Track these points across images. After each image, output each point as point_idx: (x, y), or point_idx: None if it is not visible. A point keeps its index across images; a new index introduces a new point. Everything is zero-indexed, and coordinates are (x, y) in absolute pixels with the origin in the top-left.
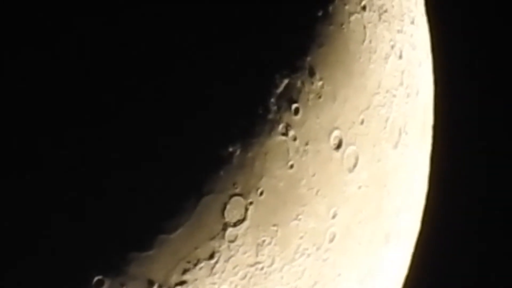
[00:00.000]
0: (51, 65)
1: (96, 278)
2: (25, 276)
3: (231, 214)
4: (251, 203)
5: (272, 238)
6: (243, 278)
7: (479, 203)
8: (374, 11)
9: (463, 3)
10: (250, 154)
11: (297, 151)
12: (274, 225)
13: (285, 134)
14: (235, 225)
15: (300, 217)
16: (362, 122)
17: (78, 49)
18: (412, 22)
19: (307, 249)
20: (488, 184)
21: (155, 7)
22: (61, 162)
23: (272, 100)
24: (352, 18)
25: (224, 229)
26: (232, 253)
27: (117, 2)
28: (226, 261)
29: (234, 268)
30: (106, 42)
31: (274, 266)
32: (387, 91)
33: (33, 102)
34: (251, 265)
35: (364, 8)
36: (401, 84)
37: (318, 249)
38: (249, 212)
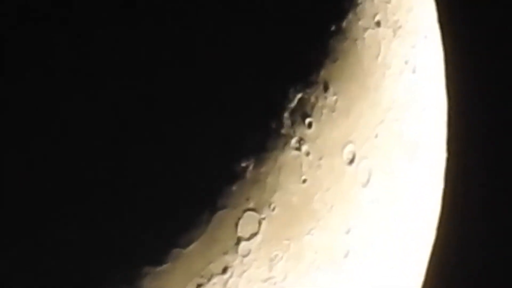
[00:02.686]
0: None
1: None
2: None
3: (245, 229)
4: (264, 218)
5: (285, 252)
6: None
7: (494, 211)
8: (389, 27)
9: (477, 15)
10: (263, 169)
11: (310, 165)
12: (287, 240)
13: (298, 148)
14: (248, 239)
15: (313, 232)
16: (376, 137)
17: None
18: (426, 37)
19: (320, 264)
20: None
21: (167, 15)
22: (74, 174)
23: (286, 114)
24: (366, 33)
25: (238, 243)
26: (245, 268)
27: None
28: (239, 276)
29: (247, 283)
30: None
31: (287, 281)
32: (401, 106)
33: None
34: (264, 280)
35: (378, 23)
36: (415, 99)
37: (331, 264)
38: (262, 227)
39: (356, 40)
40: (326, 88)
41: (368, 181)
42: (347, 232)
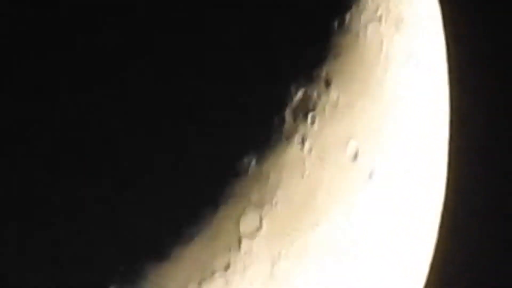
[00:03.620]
0: None
1: None
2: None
3: (247, 225)
4: (266, 214)
5: (287, 249)
6: None
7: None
8: (391, 21)
9: (480, 9)
10: (266, 165)
11: (313, 162)
12: (289, 236)
13: (301, 144)
14: (251, 236)
15: (316, 228)
16: (378, 132)
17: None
18: (428, 31)
19: (323, 260)
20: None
21: (171, 16)
22: (76, 168)
23: (288, 110)
24: (369, 28)
25: (240, 240)
26: (247, 264)
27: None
28: (242, 272)
29: (249, 279)
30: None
31: (289, 277)
32: (403, 101)
33: None
34: (267, 276)
35: (380, 18)
36: (418, 93)
37: (335, 260)
38: (264, 223)
39: (358, 35)
40: (328, 84)
41: (370, 177)
42: (350, 227)
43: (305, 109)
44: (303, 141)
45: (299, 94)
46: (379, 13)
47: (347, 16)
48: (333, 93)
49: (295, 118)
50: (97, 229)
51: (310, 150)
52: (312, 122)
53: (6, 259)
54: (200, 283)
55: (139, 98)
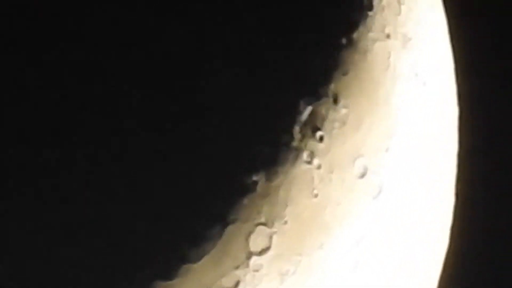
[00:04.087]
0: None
1: None
2: None
3: (256, 243)
4: (276, 232)
5: (296, 267)
6: None
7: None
8: (398, 39)
9: (487, 26)
10: (274, 183)
11: (321, 179)
12: (298, 254)
13: (309, 162)
14: (260, 254)
15: (324, 245)
16: (386, 150)
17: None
18: (436, 49)
19: (331, 277)
20: None
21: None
22: (85, 187)
23: (296, 128)
24: (376, 45)
25: (249, 258)
26: (256, 282)
27: None
28: None
29: None
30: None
31: None
32: (411, 119)
33: None
34: None
35: (388, 36)
36: (425, 111)
37: (342, 277)
38: (273, 241)
39: (366, 52)
40: (336, 101)
41: (379, 194)
42: (358, 245)
43: (313, 126)
44: (311, 158)
45: (308, 111)
46: (386, 31)
47: (355, 34)
48: (341, 110)
49: (303, 135)
50: (103, 250)
51: (319, 167)
52: (321, 139)
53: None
54: None
55: (146, 112)
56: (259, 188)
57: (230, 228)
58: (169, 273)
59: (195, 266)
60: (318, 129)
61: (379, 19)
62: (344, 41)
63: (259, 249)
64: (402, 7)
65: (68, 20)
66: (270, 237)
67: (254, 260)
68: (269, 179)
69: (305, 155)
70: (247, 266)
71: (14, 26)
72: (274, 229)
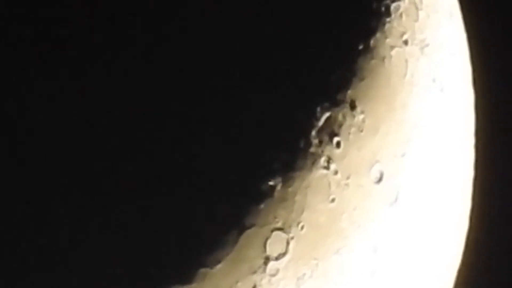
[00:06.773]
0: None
1: None
2: None
3: (273, 248)
4: (292, 237)
5: (313, 272)
6: None
7: None
8: (416, 45)
9: (505, 32)
10: (291, 188)
11: (338, 185)
12: (315, 259)
13: (326, 167)
14: (276, 259)
15: (341, 251)
16: (403, 156)
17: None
18: (453, 54)
19: (348, 283)
20: None
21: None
22: (99, 195)
23: (313, 133)
24: (394, 51)
25: (266, 263)
26: (272, 287)
27: None
28: None
29: None
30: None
31: None
32: (428, 125)
33: None
34: None
35: (406, 42)
36: (443, 117)
37: (359, 283)
38: (290, 246)
39: (383, 58)
40: (353, 107)
41: (395, 200)
42: (375, 251)
43: (330, 132)
44: (328, 164)
45: (325, 117)
46: (404, 37)
47: (372, 40)
48: (358, 116)
49: (320, 141)
50: (120, 255)
51: (336, 172)
52: (338, 145)
53: None
54: None
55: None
56: (276, 193)
57: (246, 233)
58: (187, 278)
59: (211, 271)
60: (335, 134)
61: (397, 25)
62: (361, 47)
63: (275, 254)
64: (420, 13)
65: (67, 19)
66: (287, 242)
67: (271, 265)
68: (286, 184)
69: (322, 161)
70: (264, 271)
71: (12, 23)
72: (291, 234)
